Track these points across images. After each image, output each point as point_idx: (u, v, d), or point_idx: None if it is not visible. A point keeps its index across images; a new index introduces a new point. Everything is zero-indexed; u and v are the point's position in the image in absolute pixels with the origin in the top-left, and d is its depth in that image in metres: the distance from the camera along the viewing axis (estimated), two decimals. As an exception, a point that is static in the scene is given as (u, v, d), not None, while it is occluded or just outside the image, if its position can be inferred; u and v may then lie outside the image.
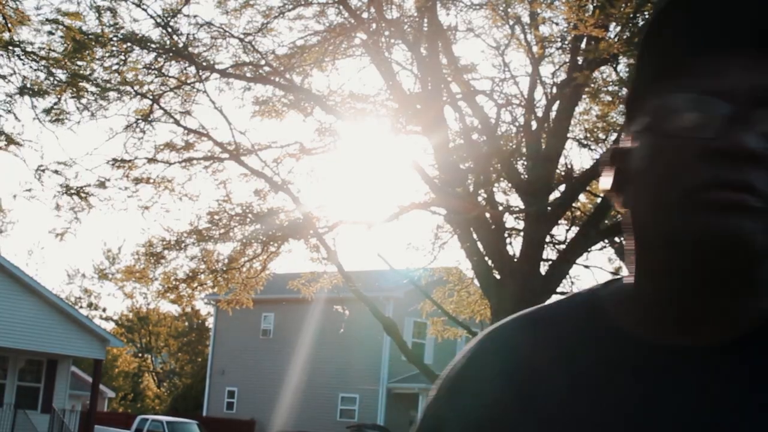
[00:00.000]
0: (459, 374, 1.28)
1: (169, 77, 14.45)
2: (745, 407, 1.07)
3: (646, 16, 12.34)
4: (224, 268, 15.31)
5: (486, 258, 13.38)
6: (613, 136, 14.68)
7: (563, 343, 1.21)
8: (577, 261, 14.64)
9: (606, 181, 1.20)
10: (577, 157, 71.63)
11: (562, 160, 14.36)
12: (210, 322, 49.44)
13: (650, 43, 1.19)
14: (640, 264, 1.18)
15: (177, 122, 14.39)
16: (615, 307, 1.21)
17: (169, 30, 13.98)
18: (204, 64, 14.07)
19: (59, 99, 13.82)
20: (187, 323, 61.56)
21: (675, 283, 1.13)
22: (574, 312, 1.25)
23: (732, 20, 1.13)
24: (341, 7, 13.88)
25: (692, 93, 1.12)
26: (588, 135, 15.73)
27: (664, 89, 1.15)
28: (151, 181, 14.71)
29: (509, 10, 13.58)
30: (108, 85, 13.96)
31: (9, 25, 13.24)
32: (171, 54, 14.00)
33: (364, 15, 13.94)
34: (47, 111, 13.71)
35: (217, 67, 14.22)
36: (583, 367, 1.17)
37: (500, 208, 14.12)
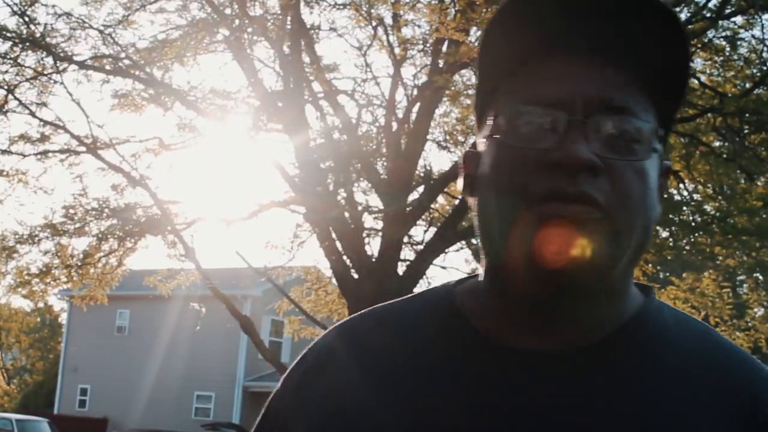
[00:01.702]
0: (306, 368, 1.29)
1: (26, 67, 14.08)
2: (594, 408, 1.11)
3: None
4: (79, 264, 14.99)
5: (344, 257, 13.44)
6: (472, 139, 14.88)
7: (414, 337, 1.23)
8: (435, 262, 14.84)
9: (460, 183, 1.24)
10: (437, 159, 72.47)
11: (421, 162, 14.53)
12: (63, 318, 48.23)
13: (490, 50, 1.21)
14: (489, 267, 1.21)
15: (33, 114, 14.04)
16: (469, 306, 1.24)
17: (27, 19, 13.62)
18: (62, 55, 13.74)
19: None
20: (39, 319, 59.91)
21: (520, 291, 1.15)
22: (428, 308, 1.28)
23: (569, 28, 1.16)
24: (204, 2, 13.76)
25: (531, 103, 1.14)
26: (447, 137, 15.95)
27: (504, 97, 1.18)
28: (5, 173, 14.33)
29: (372, 11, 13.68)
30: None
31: None
32: (28, 44, 13.63)
33: (227, 11, 13.84)
34: None
35: (75, 58, 13.91)
36: (433, 362, 1.19)
37: (359, 207, 14.20)
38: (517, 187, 1.12)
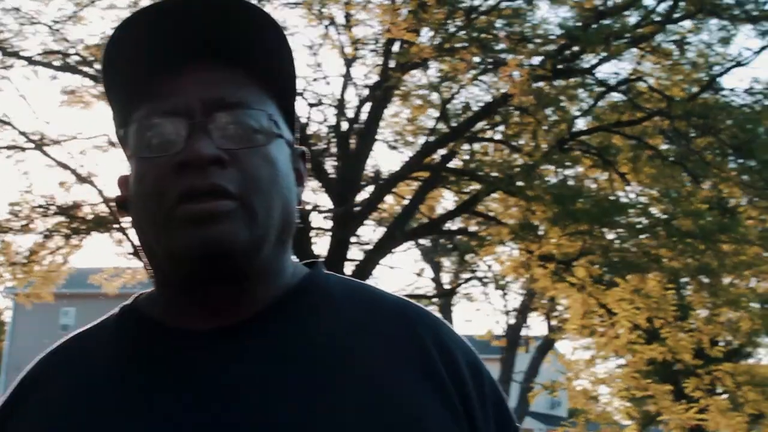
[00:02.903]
0: (6, 400, 1.33)
1: (-29, 62, 13.87)
2: (255, 374, 1.21)
3: (458, 22, 12.65)
4: (24, 261, 14.79)
5: (293, 257, 13.40)
6: (422, 140, 14.94)
7: (97, 343, 1.34)
8: (382, 261, 14.87)
9: (116, 207, 1.33)
10: (386, 159, 72.70)
11: (370, 162, 14.54)
12: (7, 316, 47.58)
13: (112, 71, 1.30)
14: (156, 271, 1.32)
15: (-23, 109, 13.80)
16: (145, 303, 1.35)
17: (-28, 14, 13.41)
18: (9, 50, 13.55)
19: None
20: (-19, 317, 59.05)
21: (183, 286, 1.26)
22: (113, 316, 1.39)
23: (182, 36, 1.25)
24: (155, -1, 13.63)
25: (155, 115, 1.24)
26: (397, 137, 15.97)
27: (136, 116, 1.27)
28: (-53, 169, 14.14)
29: (324, 10, 13.65)
30: None
31: None
32: (-27, 39, 13.43)
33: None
34: None
35: (23, 54, 13.72)
36: (110, 355, 1.30)
37: (308, 207, 14.17)
38: (157, 194, 1.21)
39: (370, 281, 14.22)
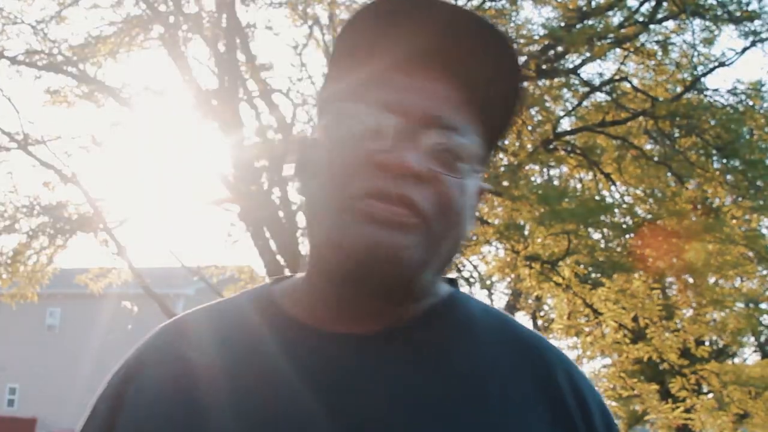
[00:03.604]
0: (128, 369, 1.34)
1: (-47, 63, 13.82)
2: (399, 384, 1.20)
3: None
4: (8, 261, 14.75)
5: (278, 257, 13.40)
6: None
7: (235, 331, 1.30)
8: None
9: (290, 167, 1.30)
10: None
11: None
12: (-9, 317, 47.43)
13: (343, 45, 1.27)
14: (310, 254, 1.28)
15: (-39, 109, 13.78)
16: (286, 297, 1.32)
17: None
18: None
19: None
20: (-34, 317, 58.84)
21: (337, 282, 1.22)
22: (247, 304, 1.35)
23: (428, 39, 1.23)
24: (139, -1, 13.64)
25: (370, 104, 1.20)
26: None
27: (348, 94, 1.24)
28: (-69, 169, 14.07)
29: (308, 10, 13.65)
30: None
31: None
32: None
33: (162, 8, 13.71)
34: None
35: (6, 54, 13.68)
36: (250, 351, 1.26)
37: (293, 207, 14.16)
38: (343, 180, 1.18)
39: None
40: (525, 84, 1.26)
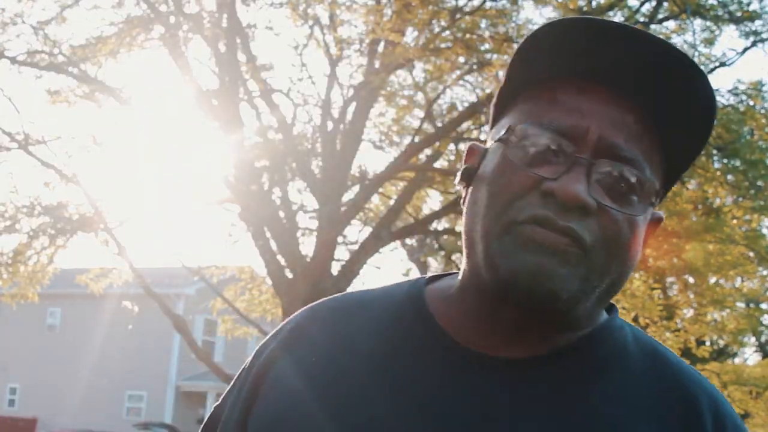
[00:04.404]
0: (276, 345, 1.34)
1: (-46, 62, 13.83)
2: (551, 411, 1.16)
3: (443, 23, 12.65)
4: (9, 261, 14.75)
5: (278, 257, 13.39)
6: (408, 140, 14.94)
7: (380, 333, 1.27)
8: (369, 261, 14.85)
9: (459, 173, 1.27)
10: (372, 159, 72.68)
11: (356, 162, 14.53)
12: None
13: (524, 57, 1.22)
14: (466, 268, 1.24)
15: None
16: (438, 306, 1.28)
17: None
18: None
19: None
20: (-33, 317, 58.80)
21: (491, 303, 1.19)
22: (397, 304, 1.31)
23: (607, 63, 1.17)
24: (139, -1, 13.64)
25: (546, 126, 1.17)
26: (382, 137, 15.97)
27: (523, 109, 1.21)
28: (-68, 169, 14.07)
29: (309, 10, 13.64)
30: None
31: None
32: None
33: (163, 8, 13.71)
34: None
35: (7, 54, 13.69)
36: (393, 360, 1.23)
37: (294, 207, 14.16)
38: (509, 202, 1.15)
39: (356, 282, 14.25)
40: (716, 100, 1.19)
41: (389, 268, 61.80)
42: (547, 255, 1.11)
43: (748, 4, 12.74)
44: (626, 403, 1.19)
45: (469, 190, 1.24)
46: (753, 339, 29.46)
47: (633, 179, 1.16)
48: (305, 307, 1.38)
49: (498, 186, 1.17)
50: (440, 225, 16.56)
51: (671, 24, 13.40)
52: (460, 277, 1.28)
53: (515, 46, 12.44)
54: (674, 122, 1.19)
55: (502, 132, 1.21)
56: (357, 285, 14.86)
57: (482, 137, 14.65)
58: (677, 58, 1.15)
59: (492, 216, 1.16)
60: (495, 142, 1.22)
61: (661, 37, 1.19)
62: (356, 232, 16.50)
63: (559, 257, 1.12)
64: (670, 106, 1.18)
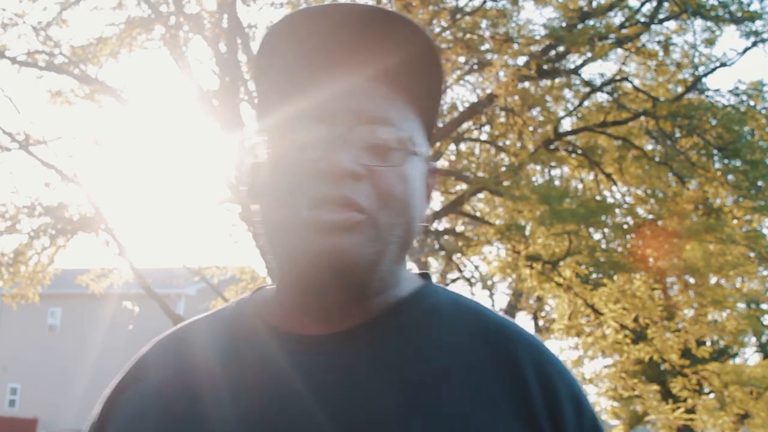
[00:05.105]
0: (124, 377, 1.41)
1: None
2: (356, 381, 1.23)
3: (443, 23, 12.66)
4: (10, 262, 14.75)
5: (279, 257, 13.38)
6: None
7: (216, 343, 1.36)
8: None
9: (244, 189, 1.38)
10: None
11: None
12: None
13: (266, 61, 1.33)
14: (276, 270, 1.34)
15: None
16: (261, 306, 1.39)
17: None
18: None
19: None
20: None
21: (303, 292, 1.29)
22: (227, 316, 1.42)
23: (337, 46, 1.30)
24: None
25: (300, 117, 1.28)
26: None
27: (280, 111, 1.31)
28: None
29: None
30: None
31: None
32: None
33: (163, 8, 13.71)
34: None
35: (8, 54, 13.68)
36: (226, 358, 1.32)
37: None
38: (291, 195, 1.24)
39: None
40: (443, 60, 1.29)
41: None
42: (334, 232, 1.20)
43: (749, 5, 12.74)
44: (441, 360, 1.26)
45: (257, 204, 1.33)
46: (753, 339, 29.43)
47: (389, 135, 1.27)
48: (153, 340, 1.45)
49: (276, 186, 1.27)
50: (441, 225, 16.56)
51: (672, 24, 13.45)
52: (278, 282, 1.38)
53: (516, 46, 12.46)
54: (408, 74, 1.31)
55: (268, 137, 1.32)
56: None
57: (483, 137, 14.67)
58: (386, 19, 1.28)
59: (280, 214, 1.25)
60: (265, 149, 1.31)
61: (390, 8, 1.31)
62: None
63: (346, 230, 1.20)
64: (400, 63, 1.30)
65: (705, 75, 13.56)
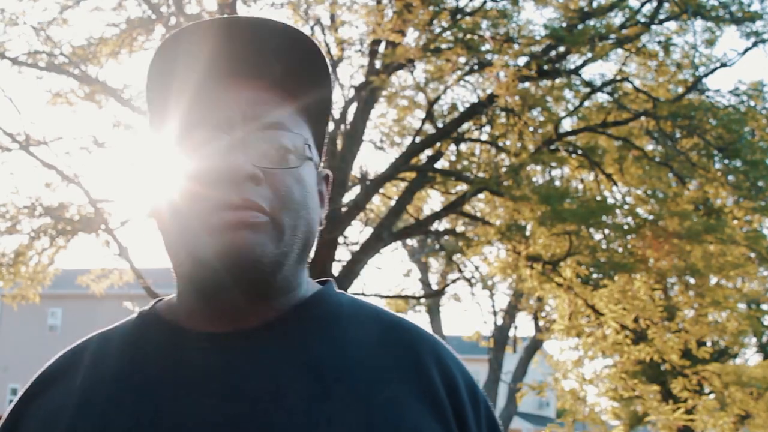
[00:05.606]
0: (28, 389, 1.44)
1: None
2: (255, 379, 1.27)
3: (444, 24, 12.66)
4: (10, 262, 14.74)
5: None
6: (409, 140, 14.94)
7: (121, 350, 1.39)
8: (370, 262, 14.86)
9: (146, 208, 1.40)
10: (373, 160, 72.76)
11: (357, 162, 14.54)
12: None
13: (158, 76, 1.36)
14: (180, 277, 1.38)
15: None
16: (165, 310, 1.40)
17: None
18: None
19: None
20: (-32, 318, 58.82)
21: (208, 292, 1.32)
22: (132, 324, 1.44)
23: (232, 53, 1.33)
24: (141, 0, 13.62)
25: (197, 126, 1.31)
26: (384, 138, 15.98)
27: (175, 123, 1.34)
28: (-67, 169, 14.04)
29: (310, 11, 13.65)
30: None
31: None
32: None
33: (163, 9, 13.71)
34: None
35: (8, 54, 13.67)
36: (128, 359, 1.36)
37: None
38: (193, 201, 1.27)
39: (356, 283, 14.23)
40: (329, 63, 1.34)
41: (390, 269, 61.84)
42: (239, 231, 1.24)
43: (749, 5, 12.75)
44: (351, 352, 1.32)
45: (159, 215, 1.36)
46: (754, 340, 29.44)
47: (284, 140, 1.33)
48: (61, 351, 1.48)
49: (182, 193, 1.29)
50: (441, 225, 16.56)
51: (672, 24, 13.43)
52: (178, 287, 1.40)
53: (516, 46, 12.44)
54: (297, 83, 1.37)
55: (167, 140, 1.35)
56: (358, 285, 14.89)
57: (483, 138, 14.66)
58: (273, 30, 1.34)
59: (183, 222, 1.29)
60: (165, 161, 1.34)
61: (284, 20, 1.41)
62: (357, 232, 16.56)
63: (251, 228, 1.24)
64: (288, 72, 1.36)
65: (705, 75, 13.57)
